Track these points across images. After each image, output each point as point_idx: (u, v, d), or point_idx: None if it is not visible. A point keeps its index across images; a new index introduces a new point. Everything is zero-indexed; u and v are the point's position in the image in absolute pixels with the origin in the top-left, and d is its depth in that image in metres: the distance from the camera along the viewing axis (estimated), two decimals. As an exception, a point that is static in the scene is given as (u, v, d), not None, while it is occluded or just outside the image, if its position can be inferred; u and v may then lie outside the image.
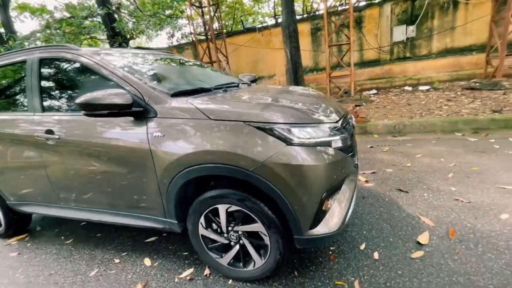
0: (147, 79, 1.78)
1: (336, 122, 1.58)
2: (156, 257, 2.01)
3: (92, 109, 1.47)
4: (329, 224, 1.43)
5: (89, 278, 1.88)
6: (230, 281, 1.68)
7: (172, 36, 9.53)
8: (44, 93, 1.99)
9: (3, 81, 2.33)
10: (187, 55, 10.04)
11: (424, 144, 3.68)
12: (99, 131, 1.71)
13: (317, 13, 8.69)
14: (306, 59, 8.35)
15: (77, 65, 1.87)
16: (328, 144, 1.43)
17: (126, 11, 9.36)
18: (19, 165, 2.14)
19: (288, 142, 1.34)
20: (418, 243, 1.79)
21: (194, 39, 8.99)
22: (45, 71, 2.00)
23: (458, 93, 5.90)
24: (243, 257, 1.63)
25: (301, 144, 1.35)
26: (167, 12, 8.82)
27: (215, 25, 8.70)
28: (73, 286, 1.82)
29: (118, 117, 1.60)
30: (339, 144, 1.49)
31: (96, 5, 7.49)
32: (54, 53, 1.95)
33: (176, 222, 1.69)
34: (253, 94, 1.92)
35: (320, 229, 1.41)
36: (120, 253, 2.13)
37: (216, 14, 8.46)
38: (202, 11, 8.38)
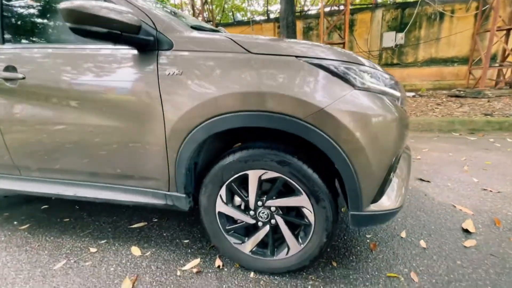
0: (158, 9, 1.37)
1: (391, 78, 1.30)
2: (147, 246, 1.56)
3: (84, 23, 1.03)
4: (392, 199, 1.13)
5: (54, 272, 1.38)
6: (252, 273, 1.31)
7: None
8: (5, 19, 1.48)
9: None
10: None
11: (426, 140, 3.60)
12: (84, 68, 1.26)
13: (309, 12, 8.65)
14: (296, 58, 8.23)
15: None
16: (395, 97, 1.14)
17: None
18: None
19: (355, 85, 1.02)
20: (466, 231, 1.56)
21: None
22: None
23: (444, 99, 6.07)
24: (272, 242, 1.27)
25: (368, 89, 1.04)
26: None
27: (204, 14, 8.28)
28: (29, 282, 1.32)
29: (116, 45, 1.18)
30: (400, 103, 1.21)
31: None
32: None
33: (184, 196, 1.28)
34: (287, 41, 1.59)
35: (385, 203, 1.10)
36: (98, 240, 1.64)
37: (207, 5, 8.06)
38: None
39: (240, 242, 1.30)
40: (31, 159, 1.50)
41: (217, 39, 1.14)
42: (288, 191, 1.17)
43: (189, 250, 1.51)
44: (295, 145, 1.16)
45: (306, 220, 1.18)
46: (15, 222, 1.93)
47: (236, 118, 1.07)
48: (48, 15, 1.45)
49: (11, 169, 1.58)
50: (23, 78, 1.35)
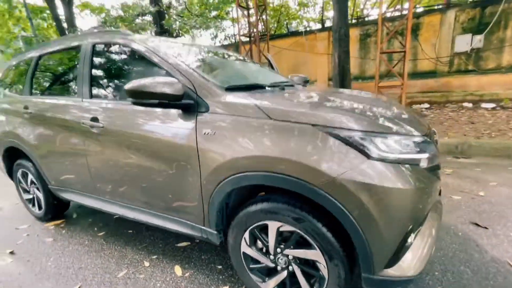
0: (199, 70, 1.62)
1: (423, 135, 1.25)
2: (187, 267, 1.82)
3: (141, 97, 1.33)
4: (409, 265, 1.12)
5: (117, 280, 1.74)
6: (271, 311, 1.43)
7: (216, 36, 9.65)
8: (95, 79, 1.93)
9: (59, 66, 2.35)
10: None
11: (498, 171, 3.12)
12: (143, 122, 1.57)
13: (367, 18, 8.19)
14: (352, 66, 7.88)
15: (129, 51, 1.77)
16: (416, 162, 1.12)
17: (174, 11, 9.68)
18: (63, 151, 2.11)
19: (369, 155, 1.06)
20: (517, 301, 1.38)
21: (238, 40, 8.99)
22: (97, 56, 1.93)
23: (535, 114, 5.07)
24: (290, 285, 1.37)
25: (383, 160, 1.06)
26: (214, 13, 8.95)
27: (260, 27, 8.61)
28: (101, 286, 1.70)
29: (166, 109, 1.46)
30: (427, 163, 1.16)
31: (149, 4, 7.83)
32: (108, 38, 1.88)
33: (215, 232, 1.48)
34: (316, 95, 1.66)
35: (398, 270, 1.10)
36: (151, 255, 1.98)
37: (262, 16, 8.38)
38: (248, 13, 8.33)
39: (262, 280, 1.44)
40: (105, 185, 1.92)
41: (245, 104, 1.30)
42: (305, 243, 1.26)
43: (221, 277, 1.71)
44: (312, 202, 1.24)
45: (321, 273, 1.25)
46: (95, 228, 2.45)
47: (255, 177, 1.22)
48: (127, 78, 1.83)
49: (93, 191, 2.04)
50: (103, 127, 1.74)
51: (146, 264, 1.88)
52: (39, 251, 2.15)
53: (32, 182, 2.60)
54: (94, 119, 1.78)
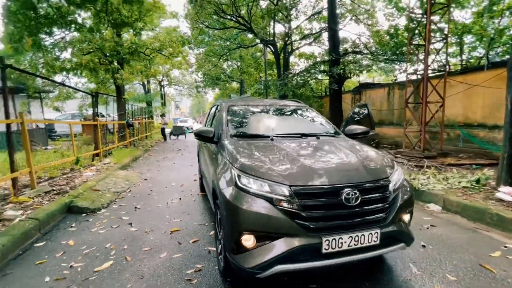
0: (230, 124, 3.06)
1: (291, 185, 1.89)
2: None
3: (198, 135, 2.96)
4: (247, 259, 1.84)
5: None
6: None
7: (390, 72, 9.58)
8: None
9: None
10: (408, 93, 9.52)
11: None
12: (205, 144, 3.31)
13: None
14: None
15: (219, 108, 3.53)
16: (268, 199, 1.86)
17: (348, 57, 10.67)
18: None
19: (237, 184, 2.00)
20: None
21: (422, 77, 8.50)
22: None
23: None
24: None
25: (242, 189, 1.96)
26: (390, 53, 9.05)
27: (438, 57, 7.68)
28: None
29: (207, 141, 3.09)
30: (278, 203, 1.85)
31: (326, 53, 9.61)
32: (217, 103, 3.76)
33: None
34: (296, 147, 2.49)
35: (239, 259, 1.87)
36: None
37: (443, 49, 7.45)
38: (427, 50, 7.73)
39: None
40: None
41: (225, 144, 2.64)
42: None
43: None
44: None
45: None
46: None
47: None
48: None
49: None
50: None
51: None
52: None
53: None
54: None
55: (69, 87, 7.86)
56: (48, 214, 3.42)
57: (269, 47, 14.19)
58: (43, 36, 6.56)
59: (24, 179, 4.91)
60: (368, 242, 1.91)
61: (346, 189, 1.89)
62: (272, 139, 2.71)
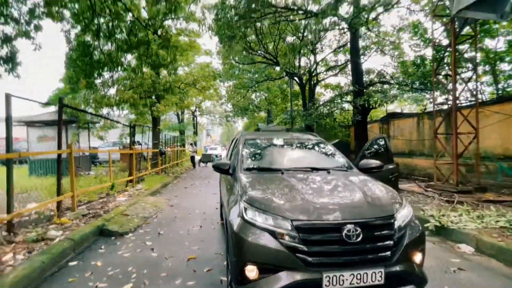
0: (246, 156, 3.28)
1: (292, 219, 2.01)
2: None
3: (217, 168, 3.22)
4: None
5: None
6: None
7: (420, 101, 9.35)
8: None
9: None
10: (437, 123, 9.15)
11: None
12: (223, 176, 3.53)
13: None
14: None
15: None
16: (271, 232, 1.98)
17: (373, 88, 10.64)
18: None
19: (243, 217, 2.16)
20: None
21: (451, 107, 8.22)
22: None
23: None
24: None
25: (248, 222, 2.11)
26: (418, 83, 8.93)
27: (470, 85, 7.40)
28: None
29: (224, 173, 3.31)
30: (281, 237, 1.95)
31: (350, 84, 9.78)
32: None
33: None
34: (289, 184, 2.62)
35: None
36: None
37: (473, 77, 7.22)
38: (455, 80, 7.54)
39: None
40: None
41: (238, 176, 2.85)
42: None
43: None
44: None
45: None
46: None
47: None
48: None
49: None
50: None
51: None
52: None
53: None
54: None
55: (112, 120, 8.88)
56: (83, 235, 3.81)
57: (295, 79, 14.72)
58: (94, 76, 7.64)
59: (67, 202, 5.51)
60: (372, 281, 1.90)
61: (347, 226, 1.94)
62: (282, 173, 2.86)
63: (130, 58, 8.66)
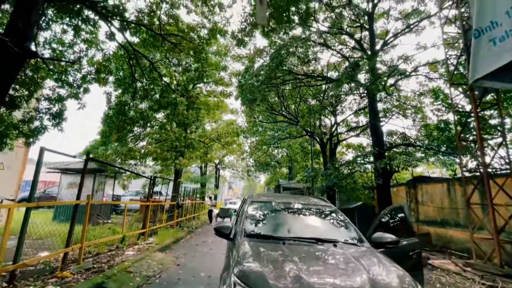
0: (248, 221, 3.16)
1: None
2: None
3: (218, 232, 3.13)
4: None
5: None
6: None
7: (450, 165, 8.79)
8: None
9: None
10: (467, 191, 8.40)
11: None
12: (226, 242, 3.36)
13: None
14: None
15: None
16: None
17: (401, 147, 10.39)
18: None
19: None
20: None
21: (470, 175, 7.65)
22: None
23: None
24: None
25: None
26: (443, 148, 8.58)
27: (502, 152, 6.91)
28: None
29: (225, 238, 3.17)
30: None
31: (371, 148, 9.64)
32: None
33: None
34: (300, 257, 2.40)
35: None
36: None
37: (503, 143, 6.79)
38: (481, 147, 7.18)
39: None
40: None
41: (239, 244, 2.71)
42: None
43: None
44: None
45: None
46: None
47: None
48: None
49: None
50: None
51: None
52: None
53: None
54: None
55: (132, 172, 9.35)
56: (78, 294, 3.68)
57: (315, 139, 14.91)
58: (125, 131, 8.40)
59: (76, 252, 5.50)
60: None
61: None
62: (284, 243, 2.69)
63: (159, 116, 9.53)
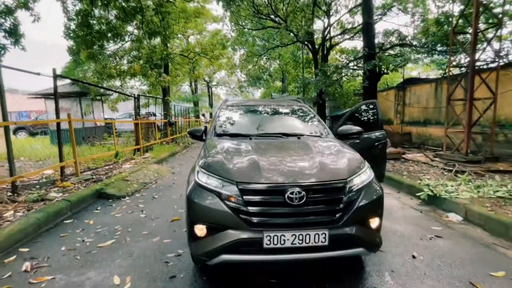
0: (219, 124, 3.26)
1: (237, 182, 2.02)
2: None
3: (191, 134, 3.26)
4: (197, 249, 2.07)
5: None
6: None
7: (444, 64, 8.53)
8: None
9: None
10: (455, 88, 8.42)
11: None
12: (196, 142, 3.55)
13: None
14: None
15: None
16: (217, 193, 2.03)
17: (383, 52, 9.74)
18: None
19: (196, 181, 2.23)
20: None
21: (468, 71, 7.48)
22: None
23: None
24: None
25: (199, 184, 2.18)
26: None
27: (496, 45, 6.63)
28: None
29: (197, 139, 3.33)
30: (226, 197, 2.00)
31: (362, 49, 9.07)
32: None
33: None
34: (255, 146, 2.59)
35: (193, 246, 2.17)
36: None
37: (497, 34, 6.41)
38: (475, 39, 6.75)
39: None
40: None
41: (210, 142, 2.85)
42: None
43: None
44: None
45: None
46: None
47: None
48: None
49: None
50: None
51: None
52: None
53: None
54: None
55: (113, 91, 9.10)
56: (79, 197, 4.13)
57: (307, 45, 13.91)
58: (96, 48, 7.71)
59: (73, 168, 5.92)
60: (315, 242, 1.92)
61: (290, 189, 1.93)
62: (250, 138, 2.84)
63: (131, 30, 8.59)
